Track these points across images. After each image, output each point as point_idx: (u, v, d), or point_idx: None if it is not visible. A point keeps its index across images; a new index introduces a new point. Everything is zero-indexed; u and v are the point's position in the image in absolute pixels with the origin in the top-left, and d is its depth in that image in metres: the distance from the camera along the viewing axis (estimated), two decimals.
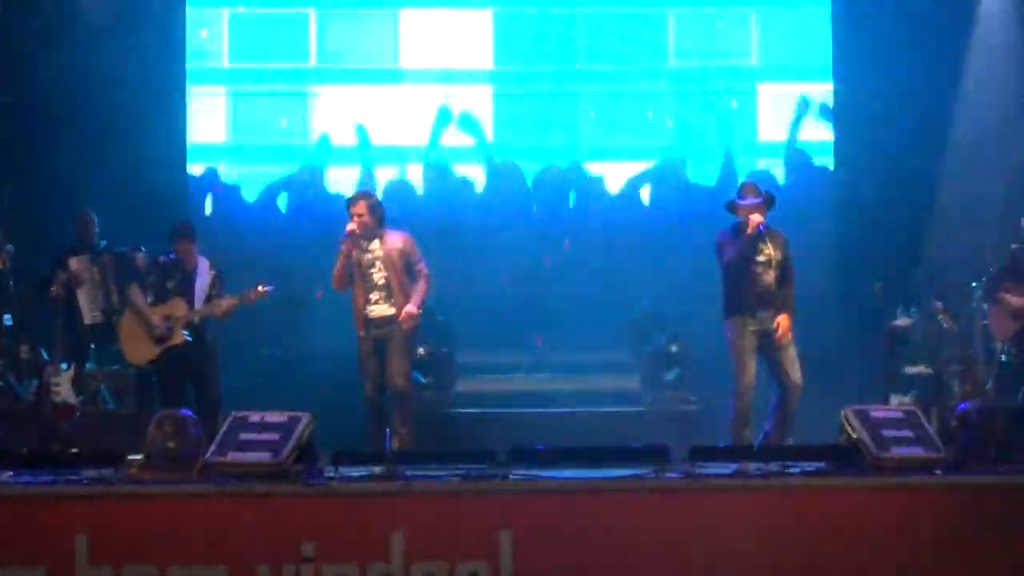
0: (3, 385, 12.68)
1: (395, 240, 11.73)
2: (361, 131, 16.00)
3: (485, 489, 8.86)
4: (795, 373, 11.13)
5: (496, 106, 16.18)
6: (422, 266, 11.79)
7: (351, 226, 11.62)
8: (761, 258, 11.23)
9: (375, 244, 11.67)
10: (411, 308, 11.64)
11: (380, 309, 11.63)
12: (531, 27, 16.23)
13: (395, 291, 11.63)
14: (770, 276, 11.22)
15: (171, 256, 12.15)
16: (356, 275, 11.66)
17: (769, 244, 11.21)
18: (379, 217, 11.74)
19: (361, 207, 11.68)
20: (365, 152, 16.02)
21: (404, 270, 11.69)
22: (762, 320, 11.18)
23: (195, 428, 9.44)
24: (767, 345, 11.20)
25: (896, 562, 8.70)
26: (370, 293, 11.63)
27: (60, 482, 8.90)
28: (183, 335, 11.97)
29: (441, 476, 9.12)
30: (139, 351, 12.15)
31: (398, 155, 16.12)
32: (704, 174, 16.03)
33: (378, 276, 11.63)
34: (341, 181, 15.71)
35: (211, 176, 15.91)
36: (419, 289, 11.75)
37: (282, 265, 13.73)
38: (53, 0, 14.98)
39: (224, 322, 12.37)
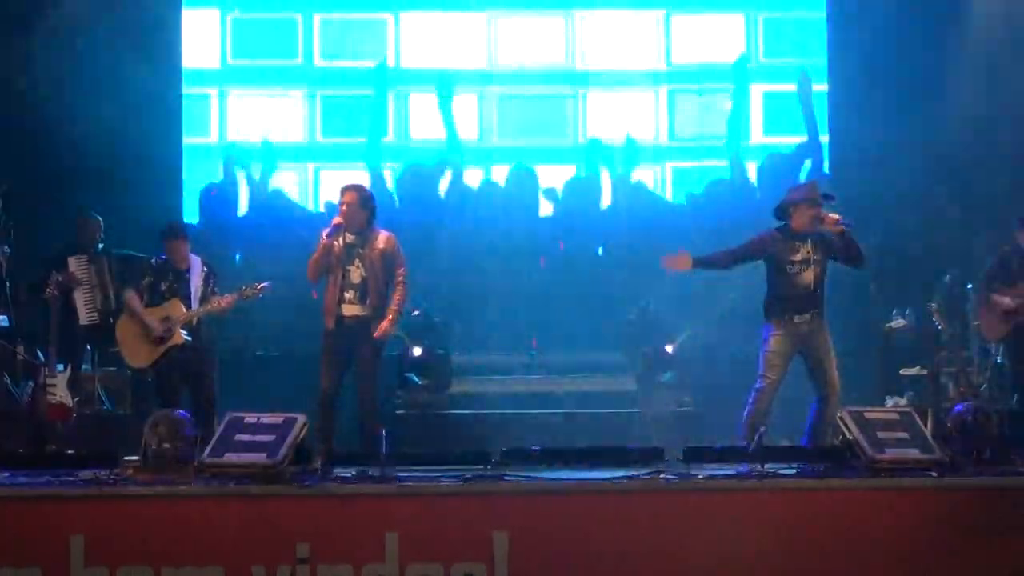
0: None
1: (380, 240, 11.36)
2: (358, 131, 16.03)
3: (481, 490, 8.86)
4: (834, 376, 10.99)
5: (492, 107, 16.20)
6: (402, 272, 11.39)
7: (338, 218, 11.28)
8: (798, 257, 11.17)
9: (358, 241, 11.30)
10: (388, 326, 11.34)
11: (353, 309, 11.25)
12: (530, 28, 16.26)
13: (371, 293, 11.26)
14: (808, 276, 11.10)
15: (163, 258, 12.14)
16: (332, 269, 11.29)
17: (810, 243, 11.04)
18: (369, 212, 11.39)
19: (351, 197, 11.36)
20: (363, 152, 16.03)
21: (384, 272, 11.33)
22: (799, 323, 11.08)
23: (191, 429, 9.45)
24: (805, 349, 11.12)
25: (891, 563, 8.71)
26: (345, 291, 11.25)
27: (56, 483, 8.91)
28: (182, 335, 11.95)
29: (436, 477, 9.13)
30: (138, 354, 12.14)
31: (396, 155, 16.14)
32: (704, 175, 16.06)
33: (355, 274, 11.26)
34: (338, 182, 15.65)
35: (206, 176, 15.93)
36: (396, 299, 11.38)
37: (278, 266, 13.70)
38: (53, 4, 14.98)
39: (220, 323, 12.39)
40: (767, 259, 11.11)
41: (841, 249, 11.04)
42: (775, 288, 11.08)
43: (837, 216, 10.96)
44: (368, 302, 11.27)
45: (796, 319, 10.96)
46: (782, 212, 11.13)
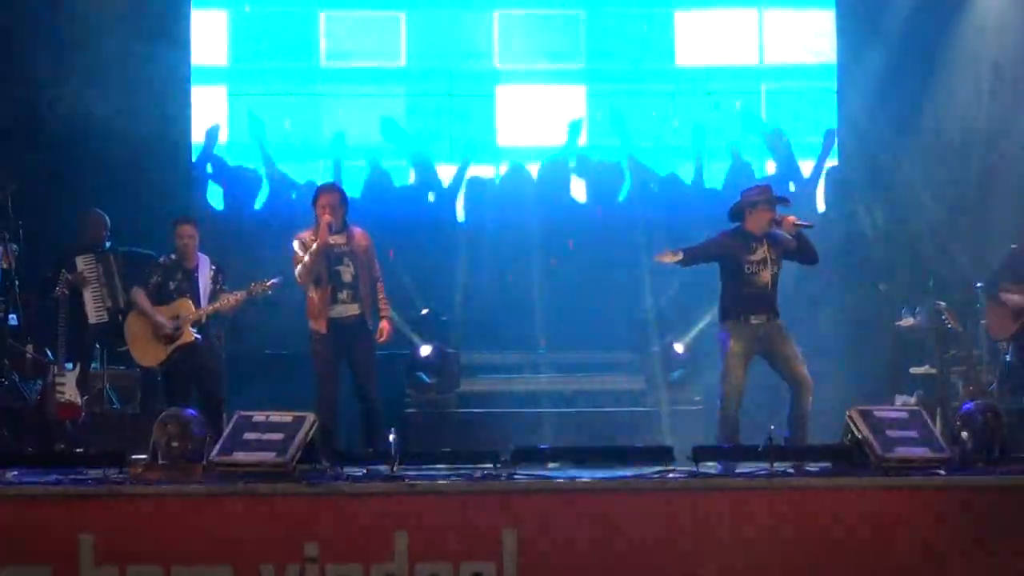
0: (8, 385, 12.68)
1: (360, 237, 11.37)
2: (366, 130, 16.02)
3: (489, 489, 8.85)
4: (801, 370, 11.02)
5: (501, 104, 16.20)
6: (379, 264, 11.48)
7: (328, 218, 11.17)
8: (755, 257, 11.18)
9: (341, 239, 11.26)
10: (389, 326, 11.42)
11: (350, 308, 11.22)
12: (536, 26, 16.26)
13: (362, 290, 11.24)
14: (765, 276, 11.17)
15: (172, 256, 12.14)
16: (320, 272, 11.20)
17: (766, 243, 11.14)
18: (346, 210, 11.37)
19: (334, 199, 11.28)
20: (370, 151, 16.02)
21: (370, 268, 11.34)
22: (755, 324, 11.10)
23: (200, 428, 9.45)
24: (766, 349, 11.10)
25: (899, 562, 8.70)
26: (339, 291, 11.19)
27: (65, 482, 8.90)
28: (192, 333, 11.94)
29: (445, 476, 9.14)
30: (148, 353, 12.13)
31: (403, 154, 16.12)
32: (712, 174, 16.03)
33: (346, 273, 11.21)
34: (347, 180, 15.65)
35: (215, 174, 15.92)
36: (384, 296, 11.44)
37: (287, 264, 13.70)
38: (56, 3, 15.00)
39: (230, 321, 12.38)
40: (724, 260, 11.15)
41: (796, 250, 11.13)
42: (731, 289, 11.14)
43: (794, 218, 11.05)
44: (360, 299, 11.26)
45: (752, 320, 11.01)
46: (737, 213, 11.21)
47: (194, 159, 15.75)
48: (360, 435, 11.27)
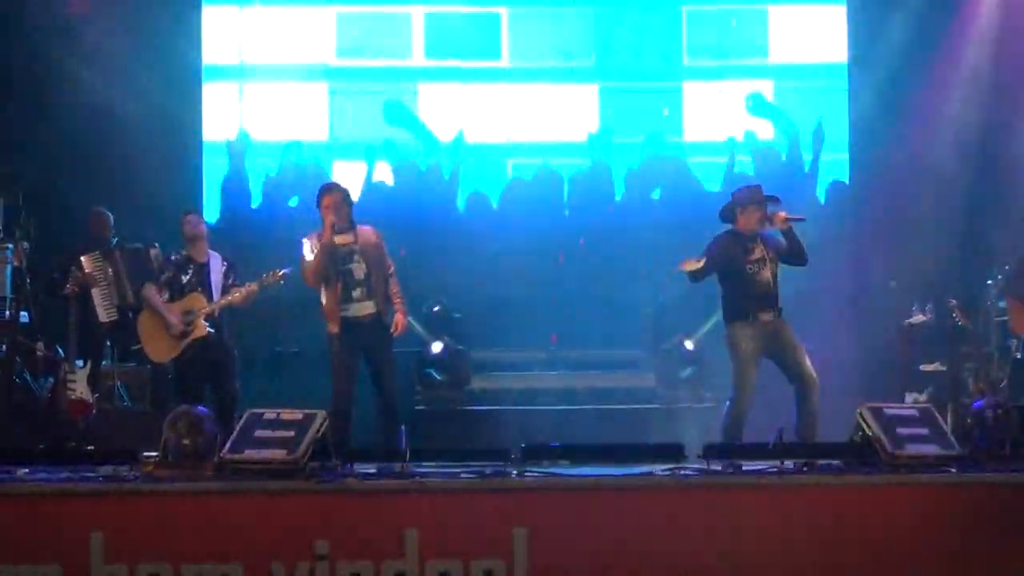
0: (19, 382, 12.70)
1: (369, 233, 11.31)
2: (374, 127, 16.04)
3: (500, 486, 8.85)
4: (808, 368, 11.02)
5: (512, 102, 16.20)
6: (390, 260, 11.41)
7: (332, 219, 11.11)
8: (754, 256, 11.17)
9: (349, 237, 11.20)
10: (404, 319, 11.34)
11: (364, 307, 11.16)
12: (545, 22, 16.27)
13: (376, 286, 11.17)
14: (767, 273, 11.19)
15: (182, 252, 12.14)
16: (329, 271, 11.16)
17: (760, 243, 11.14)
18: (351, 208, 11.31)
19: (337, 198, 11.21)
20: (378, 149, 16.03)
21: (381, 264, 11.30)
22: (765, 322, 11.10)
23: (210, 425, 9.45)
24: (773, 347, 11.10)
25: (910, 560, 8.68)
26: (352, 290, 11.14)
27: (75, 479, 8.91)
28: (205, 327, 11.92)
29: (456, 473, 9.12)
30: (162, 349, 12.11)
31: (410, 152, 16.13)
32: (718, 171, 16.04)
33: (359, 271, 11.16)
34: (353, 177, 15.65)
35: (225, 169, 15.95)
36: (398, 290, 11.35)
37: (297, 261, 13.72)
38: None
39: (240, 318, 12.38)
40: (726, 265, 11.14)
41: (785, 248, 11.13)
42: (735, 289, 11.13)
43: (785, 213, 11.06)
44: (375, 296, 11.20)
45: (762, 317, 11.00)
46: (728, 214, 11.23)
47: (204, 156, 15.78)
48: (379, 433, 11.24)
